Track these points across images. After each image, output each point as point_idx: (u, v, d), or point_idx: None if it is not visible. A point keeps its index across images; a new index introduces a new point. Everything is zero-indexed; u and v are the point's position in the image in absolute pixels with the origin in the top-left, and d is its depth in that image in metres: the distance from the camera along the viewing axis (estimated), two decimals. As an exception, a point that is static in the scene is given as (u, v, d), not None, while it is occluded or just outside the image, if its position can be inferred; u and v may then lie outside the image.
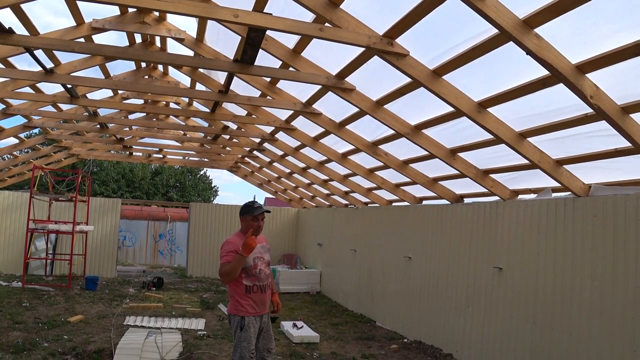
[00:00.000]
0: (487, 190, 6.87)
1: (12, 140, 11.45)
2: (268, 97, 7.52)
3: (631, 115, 4.18)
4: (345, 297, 11.73)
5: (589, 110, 4.28)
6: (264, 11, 4.83)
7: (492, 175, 6.72)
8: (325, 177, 11.10)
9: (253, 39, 4.99)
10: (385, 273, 9.89)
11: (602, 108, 4.04)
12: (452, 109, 5.25)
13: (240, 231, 4.75)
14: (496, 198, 6.94)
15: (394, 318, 9.38)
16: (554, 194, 6.11)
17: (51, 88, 8.65)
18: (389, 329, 9.41)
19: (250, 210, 4.67)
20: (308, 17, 4.81)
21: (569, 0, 3.27)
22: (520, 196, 6.82)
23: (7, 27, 5.30)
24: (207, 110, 9.21)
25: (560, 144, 5.23)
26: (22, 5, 5.71)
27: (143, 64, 9.30)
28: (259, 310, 4.67)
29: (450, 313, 7.69)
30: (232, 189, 79.28)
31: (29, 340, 7.18)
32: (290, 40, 5.73)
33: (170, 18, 6.96)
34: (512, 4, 3.58)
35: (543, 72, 4.06)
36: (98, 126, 10.89)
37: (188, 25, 7.19)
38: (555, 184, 5.85)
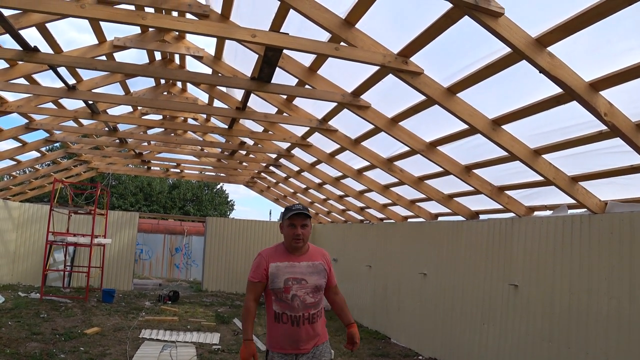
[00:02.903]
0: (502, 207, 6.85)
1: (34, 154, 11.69)
2: (284, 114, 7.62)
3: (646, 132, 4.17)
4: (360, 313, 11.69)
5: (604, 127, 4.29)
6: (281, 31, 4.94)
7: (508, 192, 6.71)
8: (341, 193, 11.14)
9: (270, 57, 5.09)
10: (400, 289, 9.86)
11: (617, 125, 4.05)
12: (466, 126, 5.28)
13: (283, 243, 3.75)
14: (512, 215, 6.92)
15: (409, 335, 9.33)
16: (569, 211, 6.09)
17: (73, 104, 8.86)
18: (403, 345, 9.35)
19: (285, 213, 3.64)
20: (324, 36, 4.90)
21: (581, 19, 3.31)
22: (535, 213, 6.79)
23: (33, 46, 5.48)
24: (225, 126, 9.34)
25: (575, 161, 5.22)
26: (47, 24, 5.90)
27: (162, 81, 9.49)
28: (289, 347, 3.58)
29: (466, 330, 7.63)
30: (248, 204, 79.47)
31: (46, 351, 7.28)
32: (306, 59, 5.83)
33: (190, 36, 7.11)
34: (525, 23, 3.63)
35: (557, 89, 4.08)
36: (117, 141, 11.09)
37: (207, 43, 7.34)
38: (571, 201, 5.83)
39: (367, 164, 8.11)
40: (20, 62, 6.62)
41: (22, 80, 7.14)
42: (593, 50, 3.74)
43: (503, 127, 5.15)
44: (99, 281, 14.31)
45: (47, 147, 11.56)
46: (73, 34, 39.18)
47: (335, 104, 6.60)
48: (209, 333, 9.44)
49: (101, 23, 6.45)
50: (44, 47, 6.04)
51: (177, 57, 8.35)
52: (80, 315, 10.44)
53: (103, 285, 14.09)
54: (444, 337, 8.19)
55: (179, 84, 9.76)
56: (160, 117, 10.82)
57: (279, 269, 3.58)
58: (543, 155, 5.35)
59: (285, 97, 7.28)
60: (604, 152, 4.79)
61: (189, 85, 9.67)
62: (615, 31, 3.48)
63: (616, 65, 3.66)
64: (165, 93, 9.90)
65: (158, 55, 8.31)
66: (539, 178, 5.65)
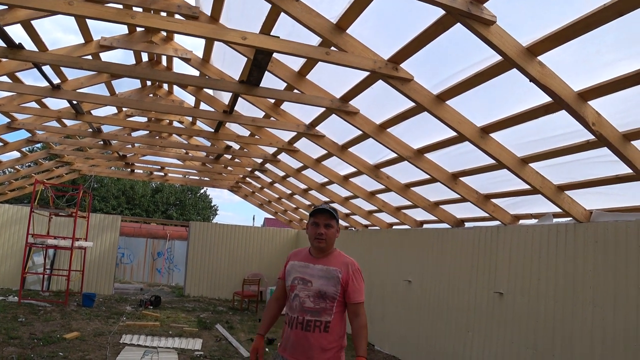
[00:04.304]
0: (488, 215, 6.88)
1: (15, 154, 11.49)
2: (272, 118, 7.57)
3: (632, 142, 4.22)
4: (344, 320, 11.63)
5: (591, 137, 4.33)
6: (272, 34, 4.91)
7: (494, 200, 6.74)
8: (327, 199, 11.12)
9: (260, 61, 5.05)
10: (384, 296, 9.84)
11: (604, 135, 4.09)
12: (454, 133, 5.29)
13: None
14: (497, 223, 6.95)
15: (393, 342, 9.31)
16: (555, 220, 6.13)
17: (56, 103, 8.73)
18: (387, 353, 9.32)
19: (310, 214, 3.45)
20: (314, 40, 4.88)
21: (571, 29, 3.34)
22: (521, 221, 6.83)
23: (17, 43, 5.39)
24: (211, 129, 9.27)
25: (562, 170, 5.26)
26: (32, 21, 5.80)
27: (148, 82, 9.39)
28: (284, 350, 3.44)
29: (450, 338, 7.63)
30: (231, 209, 79.11)
31: (24, 356, 7.12)
32: (296, 63, 5.80)
33: (178, 38, 7.05)
34: (516, 32, 3.65)
35: (546, 98, 4.11)
36: (101, 142, 10.95)
37: (195, 45, 7.28)
38: (557, 210, 5.87)
39: (354, 170, 8.09)
40: (4, 60, 6.51)
41: (5, 78, 7.02)
42: (582, 61, 3.78)
43: (491, 135, 5.17)
44: (79, 285, 14.08)
45: (29, 148, 11.38)
46: (58, 34, 38.65)
47: (323, 109, 6.58)
48: (191, 339, 9.32)
49: (88, 23, 6.36)
50: (29, 45, 5.94)
51: (164, 58, 8.27)
52: (59, 319, 10.24)
53: (83, 289, 13.84)
54: (428, 345, 8.18)
55: (165, 86, 9.67)
56: (146, 119, 10.70)
57: (293, 267, 3.47)
58: (530, 164, 5.38)
59: (273, 101, 7.24)
60: (591, 161, 4.83)
61: (175, 88, 9.58)
62: (604, 42, 3.51)
63: (604, 76, 3.70)
64: (151, 95, 9.80)
65: (145, 57, 8.22)
66: (526, 186, 5.68)
